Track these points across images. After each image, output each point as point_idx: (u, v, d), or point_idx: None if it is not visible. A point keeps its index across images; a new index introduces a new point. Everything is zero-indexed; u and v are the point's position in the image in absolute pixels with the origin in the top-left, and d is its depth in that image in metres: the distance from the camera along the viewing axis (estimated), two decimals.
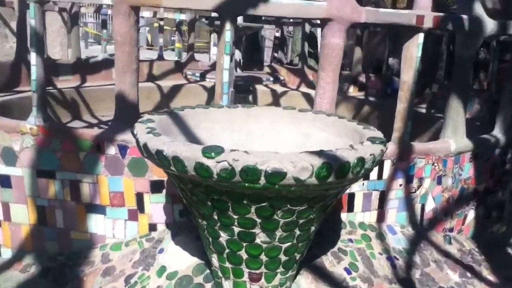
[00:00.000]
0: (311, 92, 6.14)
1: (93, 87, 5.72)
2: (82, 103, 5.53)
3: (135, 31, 2.11)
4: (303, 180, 1.37)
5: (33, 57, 2.26)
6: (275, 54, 6.61)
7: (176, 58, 6.78)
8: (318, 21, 7.31)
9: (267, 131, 2.06)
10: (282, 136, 2.04)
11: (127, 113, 2.23)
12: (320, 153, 1.41)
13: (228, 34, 2.04)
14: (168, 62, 6.34)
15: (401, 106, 2.34)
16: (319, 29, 7.32)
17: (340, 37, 2.10)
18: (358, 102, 5.73)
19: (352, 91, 5.99)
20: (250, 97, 4.84)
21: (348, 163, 1.43)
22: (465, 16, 2.30)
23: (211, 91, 5.93)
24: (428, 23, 2.19)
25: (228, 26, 2.03)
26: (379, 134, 1.72)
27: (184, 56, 6.80)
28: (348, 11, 2.08)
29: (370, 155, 1.50)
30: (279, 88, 5.98)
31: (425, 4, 2.18)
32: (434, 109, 5.12)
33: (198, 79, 4.05)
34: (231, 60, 2.09)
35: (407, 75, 2.28)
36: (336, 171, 1.40)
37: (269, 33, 8.61)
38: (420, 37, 2.22)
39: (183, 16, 6.39)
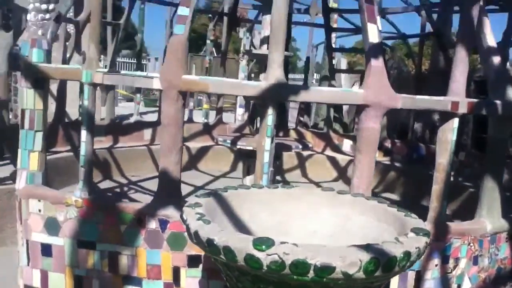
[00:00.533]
0: (337, 156, 6.22)
1: (124, 148, 5.91)
2: (113, 163, 5.70)
3: (182, 113, 2.24)
4: (351, 275, 1.40)
5: (83, 134, 2.39)
6: (301, 118, 6.75)
7: (203, 119, 6.99)
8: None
9: (307, 212, 2.10)
10: (321, 218, 2.08)
11: (169, 189, 2.31)
12: (367, 248, 1.45)
13: (270, 118, 2.14)
14: (197, 125, 6.53)
15: (437, 186, 2.37)
16: None
17: (376, 122, 2.18)
18: (384, 168, 5.75)
19: (378, 156, 6.02)
20: (277, 162, 4.92)
21: (395, 258, 1.45)
22: (498, 101, 2.37)
23: (237, 153, 6.04)
24: (462, 109, 2.27)
25: (270, 111, 2.14)
26: (421, 224, 1.74)
27: (211, 116, 7.01)
28: (384, 98, 2.17)
29: (416, 248, 1.53)
30: (304, 152, 6.06)
31: (459, 90, 2.27)
32: (461, 176, 5.11)
33: (229, 145, 4.17)
34: (271, 142, 2.18)
35: (443, 157, 2.33)
36: (383, 265, 1.43)
37: None
38: (455, 121, 2.29)
39: None
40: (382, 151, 6.02)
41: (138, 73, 2.36)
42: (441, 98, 2.27)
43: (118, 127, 5.99)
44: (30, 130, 2.51)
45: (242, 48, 9.11)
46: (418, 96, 2.27)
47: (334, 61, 6.92)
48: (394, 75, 9.71)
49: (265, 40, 4.58)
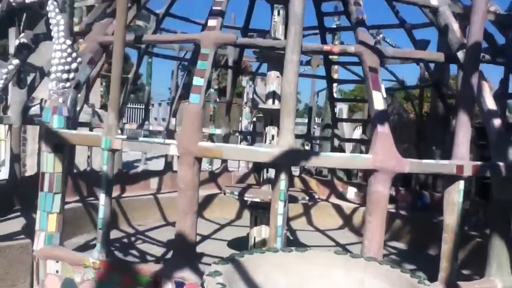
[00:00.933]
0: (341, 203, 6.27)
1: (131, 197, 5.97)
2: (120, 212, 5.74)
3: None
4: None
5: (101, 198, 2.47)
6: (305, 166, 6.84)
7: (208, 165, 7.09)
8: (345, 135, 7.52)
9: (321, 275, 2.15)
10: (335, 281, 2.13)
11: (185, 252, 2.37)
12: None
13: (283, 183, 2.23)
14: (202, 173, 6.60)
15: (446, 247, 2.43)
16: (347, 144, 7.62)
17: (385, 185, 2.27)
18: (389, 216, 5.76)
19: None
20: None
21: None
22: (501, 163, 2.47)
23: (242, 202, 6.10)
24: (467, 172, 2.36)
25: (283, 176, 2.23)
26: None
27: (215, 162, 7.12)
28: (392, 163, 2.27)
29: None
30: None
31: (463, 154, 2.37)
32: (467, 225, 5.14)
33: (236, 197, 4.24)
34: (284, 206, 2.26)
35: (451, 218, 2.41)
36: None
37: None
38: (461, 184, 2.38)
39: (218, 131, 6.79)
40: None
41: (156, 140, 2.46)
42: (447, 162, 2.37)
43: (126, 177, 6.07)
44: (49, 192, 2.60)
45: (245, 96, 9.32)
46: (424, 161, 2.37)
47: (336, 110, 7.08)
48: (394, 120, 9.89)
49: (270, 95, 4.74)
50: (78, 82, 2.74)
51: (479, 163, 2.40)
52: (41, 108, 5.48)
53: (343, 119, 6.90)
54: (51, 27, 2.78)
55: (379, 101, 2.41)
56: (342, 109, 8.05)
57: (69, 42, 2.67)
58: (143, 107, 15.03)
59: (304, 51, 2.73)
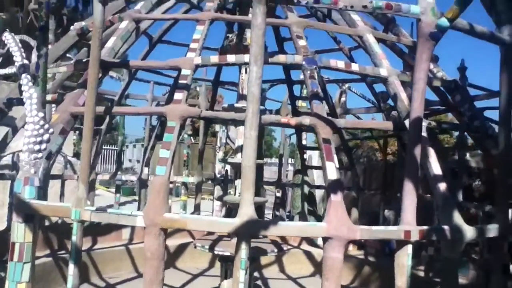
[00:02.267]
0: (312, 250, 6.40)
1: (103, 249, 5.97)
2: (91, 265, 5.73)
3: (163, 247, 2.45)
4: None
5: (70, 268, 2.56)
6: (277, 213, 7.00)
7: (181, 210, 7.17)
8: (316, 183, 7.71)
9: None
10: None
11: None
12: None
13: (243, 252, 2.38)
14: None
15: None
16: (317, 190, 7.83)
17: (339, 251, 2.44)
18: (358, 262, 5.94)
19: (352, 249, 6.23)
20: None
21: None
22: (446, 227, 2.68)
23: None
24: (414, 236, 2.55)
25: (243, 246, 2.37)
26: None
27: (189, 206, 7.19)
28: (345, 230, 2.45)
29: None
30: None
31: (410, 220, 2.56)
32: (431, 271, 5.33)
33: (207, 251, 4.33)
34: (245, 273, 2.39)
35: (401, 281, 2.58)
36: None
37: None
38: (409, 248, 2.56)
39: (191, 179, 6.92)
40: (355, 245, 6.23)
41: (123, 211, 2.59)
42: (395, 228, 2.56)
43: (97, 228, 6.08)
44: (19, 262, 2.67)
45: (218, 141, 9.50)
46: (374, 228, 2.55)
47: (305, 156, 7.31)
48: (364, 163, 10.20)
49: (239, 149, 4.93)
50: (50, 152, 2.86)
51: (425, 227, 2.60)
52: (13, 163, 5.54)
53: (312, 166, 7.13)
54: (24, 99, 2.92)
55: (332, 172, 2.61)
56: (312, 155, 8.31)
57: (41, 114, 2.81)
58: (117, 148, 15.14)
59: (263, 124, 2.94)
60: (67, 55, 4.71)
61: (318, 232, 2.47)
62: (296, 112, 6.55)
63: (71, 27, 3.90)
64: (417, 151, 2.59)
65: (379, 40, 3.80)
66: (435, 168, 2.92)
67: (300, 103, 6.74)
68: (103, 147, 17.46)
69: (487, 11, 3.23)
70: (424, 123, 3.06)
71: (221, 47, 5.80)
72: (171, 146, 2.66)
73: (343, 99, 7.03)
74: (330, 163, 2.65)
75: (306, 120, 2.87)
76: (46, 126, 2.85)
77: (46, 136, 2.84)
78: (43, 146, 2.82)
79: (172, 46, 5.82)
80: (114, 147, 16.19)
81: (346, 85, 7.14)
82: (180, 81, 2.95)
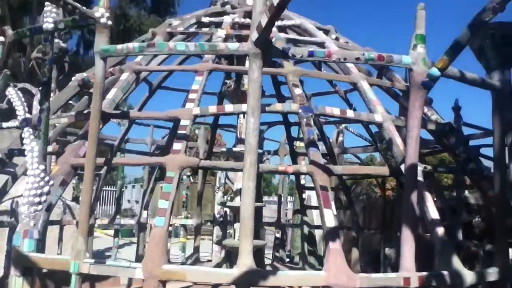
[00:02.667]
0: None
1: None
2: None
3: None
4: None
5: None
6: (276, 254, 6.94)
7: (180, 252, 7.11)
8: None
9: None
10: None
11: None
12: None
13: None
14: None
15: None
16: (317, 230, 7.80)
17: None
18: None
19: None
20: None
21: None
22: (445, 272, 2.67)
23: None
24: (414, 283, 2.54)
25: None
26: None
27: (188, 247, 7.13)
28: (344, 279, 2.44)
29: None
30: None
31: (409, 266, 2.56)
32: None
33: None
34: None
35: None
36: None
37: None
38: None
39: (190, 221, 6.90)
40: None
41: (122, 263, 2.59)
42: (394, 275, 2.56)
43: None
44: None
45: (217, 181, 9.52)
46: (374, 274, 2.55)
47: (304, 196, 7.32)
48: (364, 201, 10.19)
49: (238, 192, 4.94)
50: (49, 204, 2.88)
51: (424, 274, 2.59)
52: (12, 209, 5.53)
53: (311, 206, 7.12)
54: (25, 152, 2.97)
55: (330, 219, 2.63)
56: (310, 195, 8.31)
57: (42, 167, 2.85)
58: (116, 189, 15.11)
59: (261, 172, 2.98)
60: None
61: (317, 281, 2.46)
62: (294, 153, 6.61)
63: (73, 78, 4.00)
64: (414, 197, 2.62)
65: (373, 84, 3.90)
66: (433, 212, 2.94)
67: (298, 143, 6.79)
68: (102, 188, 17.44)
69: (476, 57, 3.34)
70: (420, 167, 3.10)
71: (219, 92, 5.94)
72: (170, 196, 2.69)
73: (340, 138, 7.10)
74: (327, 211, 2.68)
75: (304, 168, 2.91)
76: (47, 178, 2.89)
77: (46, 188, 2.87)
78: (43, 198, 2.85)
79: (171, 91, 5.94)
80: (113, 187, 16.17)
81: (343, 125, 7.23)
82: (179, 131, 3.01)
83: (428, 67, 2.63)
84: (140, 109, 5.44)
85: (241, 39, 4.03)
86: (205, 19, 4.41)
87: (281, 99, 6.22)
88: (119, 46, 2.67)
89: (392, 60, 2.64)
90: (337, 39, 4.44)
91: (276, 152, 7.17)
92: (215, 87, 6.56)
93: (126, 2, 16.16)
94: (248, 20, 4.14)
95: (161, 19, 16.71)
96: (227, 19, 4.23)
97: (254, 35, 2.48)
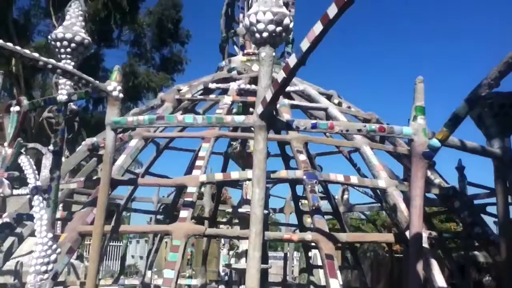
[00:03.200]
0: None
1: None
2: None
3: None
4: None
5: None
6: None
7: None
8: None
9: None
10: None
11: None
12: None
13: None
14: None
15: None
16: None
17: None
18: None
19: None
20: None
21: None
22: None
23: None
24: None
25: None
26: None
27: None
28: None
29: None
30: None
31: None
32: None
33: None
34: None
35: None
36: None
37: None
38: None
39: (194, 281, 6.81)
40: None
41: None
42: None
43: None
44: None
45: (222, 239, 9.45)
46: None
47: (310, 254, 7.24)
48: (371, 257, 10.03)
49: (243, 254, 4.92)
50: (56, 272, 2.89)
51: None
52: (16, 270, 5.50)
53: (317, 266, 7.01)
54: (34, 220, 3.02)
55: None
56: (316, 254, 8.19)
57: (50, 235, 2.88)
58: (121, 244, 14.92)
59: (266, 240, 2.99)
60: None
61: None
62: (299, 211, 6.60)
63: (83, 143, 4.11)
64: (419, 266, 2.61)
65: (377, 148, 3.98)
66: (439, 280, 2.92)
67: (303, 201, 6.80)
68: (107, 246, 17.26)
69: (476, 125, 3.42)
70: (425, 234, 3.10)
71: (225, 152, 6.03)
72: (175, 266, 2.70)
73: (345, 196, 7.10)
74: (333, 280, 2.67)
75: (309, 236, 2.93)
76: (54, 246, 2.92)
77: (53, 257, 2.89)
78: (50, 266, 2.86)
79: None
80: (117, 242, 16.02)
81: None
82: (186, 199, 3.06)
83: (428, 137, 2.70)
84: (147, 168, 5.53)
85: (247, 106, 4.16)
86: (212, 85, 4.57)
87: (286, 158, 6.30)
88: (130, 119, 2.77)
89: (393, 131, 2.72)
90: (339, 104, 4.57)
91: (281, 210, 7.17)
92: (221, 146, 6.69)
93: (135, 60, 16.69)
94: (253, 86, 4.29)
95: (169, 76, 17.21)
96: (233, 86, 4.38)
97: (259, 108, 2.58)
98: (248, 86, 4.37)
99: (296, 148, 3.53)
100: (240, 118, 2.68)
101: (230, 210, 5.56)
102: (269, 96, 2.49)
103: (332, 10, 2.15)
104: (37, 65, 2.59)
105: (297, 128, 2.66)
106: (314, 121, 2.67)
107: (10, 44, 2.53)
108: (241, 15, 5.11)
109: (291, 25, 2.70)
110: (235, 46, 5.29)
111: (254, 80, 4.62)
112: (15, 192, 3.31)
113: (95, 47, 15.90)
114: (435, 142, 2.62)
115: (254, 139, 2.59)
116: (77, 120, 6.67)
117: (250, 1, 5.13)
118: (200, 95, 4.62)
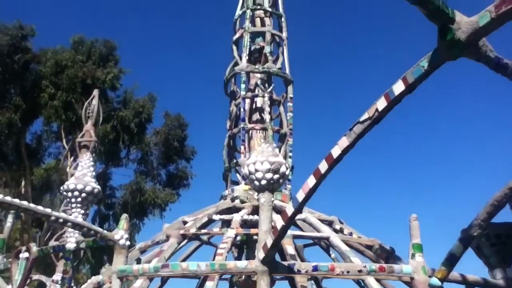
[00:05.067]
0: None
1: None
2: None
3: None
4: None
5: None
6: None
7: None
8: None
9: None
10: None
11: None
12: None
13: None
14: None
15: None
16: None
17: None
18: None
19: None
20: None
21: None
22: None
23: None
24: None
25: None
26: None
27: None
28: None
29: None
30: None
31: None
32: None
33: None
34: None
35: None
36: None
37: None
38: None
39: None
40: None
41: None
42: None
43: None
44: None
45: None
46: None
47: None
48: None
49: None
50: None
51: None
52: None
53: None
54: None
55: None
56: None
57: None
58: None
59: None
60: None
61: None
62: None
63: (88, 281, 4.13)
64: None
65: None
66: None
67: None
68: None
69: (476, 255, 3.46)
70: None
71: (231, 277, 5.96)
72: None
73: None
74: None
75: None
76: None
77: None
78: None
79: None
80: None
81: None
82: None
83: (428, 274, 2.74)
84: None
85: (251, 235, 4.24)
86: (216, 217, 4.70)
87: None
88: (135, 267, 2.85)
89: (393, 270, 2.78)
90: (341, 230, 4.64)
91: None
92: None
93: (142, 178, 17.05)
94: (256, 217, 4.40)
95: (174, 191, 17.45)
96: (236, 218, 4.51)
97: (260, 254, 2.67)
98: (251, 217, 4.49)
99: (301, 283, 3.54)
100: (242, 264, 2.76)
101: None
102: (269, 242, 2.60)
103: (323, 166, 2.33)
104: (48, 220, 2.74)
105: (298, 272, 2.73)
106: (314, 264, 2.74)
107: (25, 202, 2.72)
108: (242, 147, 5.41)
109: (287, 172, 2.89)
110: (237, 174, 5.52)
111: (256, 209, 4.75)
112: None
113: (103, 167, 16.39)
114: (435, 281, 2.66)
115: (257, 284, 2.64)
116: (83, 248, 6.73)
117: (250, 133, 5.48)
118: (204, 225, 4.73)
